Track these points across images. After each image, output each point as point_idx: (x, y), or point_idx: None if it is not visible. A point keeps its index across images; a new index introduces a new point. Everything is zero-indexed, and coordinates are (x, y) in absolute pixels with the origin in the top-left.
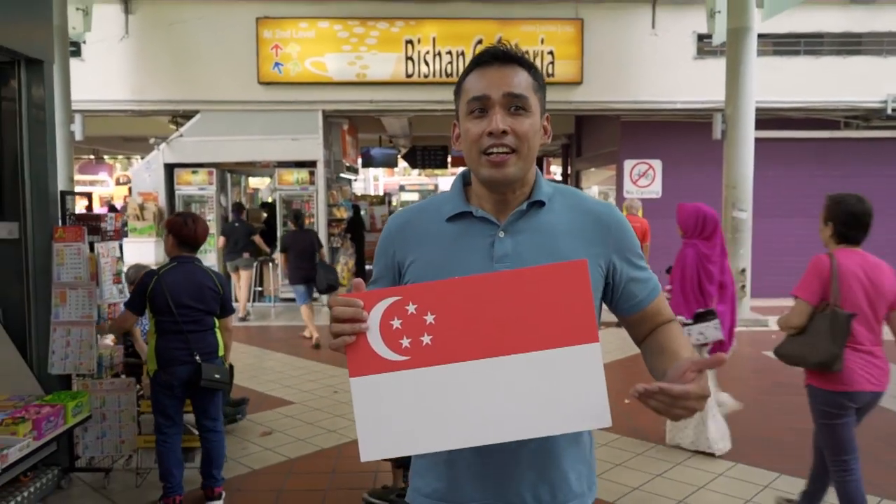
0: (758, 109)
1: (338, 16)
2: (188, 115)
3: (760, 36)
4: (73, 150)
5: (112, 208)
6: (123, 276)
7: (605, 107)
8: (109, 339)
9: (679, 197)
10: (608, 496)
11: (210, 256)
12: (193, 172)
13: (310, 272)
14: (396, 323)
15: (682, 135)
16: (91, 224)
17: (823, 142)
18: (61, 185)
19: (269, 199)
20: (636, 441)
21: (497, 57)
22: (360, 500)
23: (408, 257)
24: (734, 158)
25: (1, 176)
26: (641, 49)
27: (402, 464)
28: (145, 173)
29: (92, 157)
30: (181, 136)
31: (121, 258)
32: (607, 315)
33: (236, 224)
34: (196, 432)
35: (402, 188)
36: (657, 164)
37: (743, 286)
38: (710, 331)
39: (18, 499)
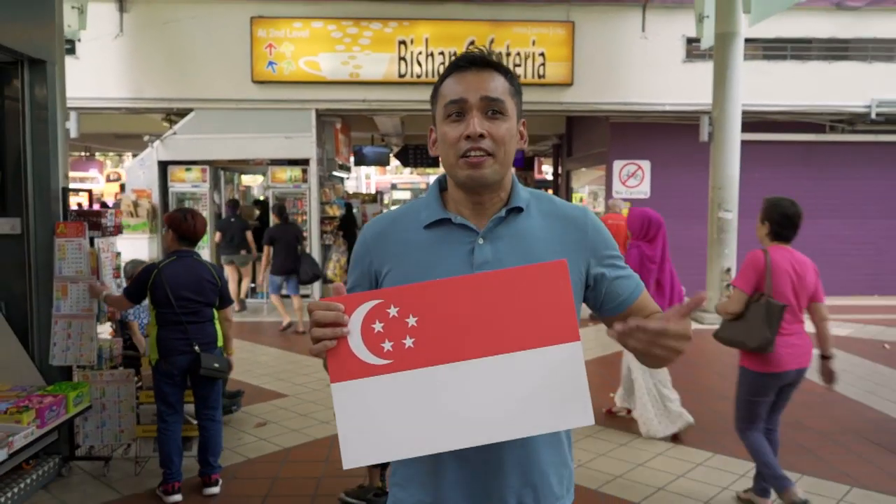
0: (745, 112)
1: (332, 16)
2: (182, 113)
3: (748, 40)
4: (68, 148)
5: (104, 205)
6: (122, 270)
7: (595, 108)
8: (108, 332)
9: (668, 197)
10: (591, 484)
11: (204, 252)
12: (187, 170)
13: (293, 264)
14: (378, 326)
15: (671, 136)
16: (92, 220)
17: (809, 145)
18: (60, 182)
19: (261, 197)
20: (618, 432)
21: (474, 62)
22: (353, 485)
23: (385, 266)
24: (720, 160)
25: (4, 173)
26: (631, 52)
27: (379, 463)
28: (139, 170)
29: (85, 154)
30: (175, 133)
31: (119, 253)
32: (584, 310)
33: (232, 220)
34: (194, 422)
35: (393, 186)
36: (646, 164)
37: (728, 285)
38: None
39: (22, 485)
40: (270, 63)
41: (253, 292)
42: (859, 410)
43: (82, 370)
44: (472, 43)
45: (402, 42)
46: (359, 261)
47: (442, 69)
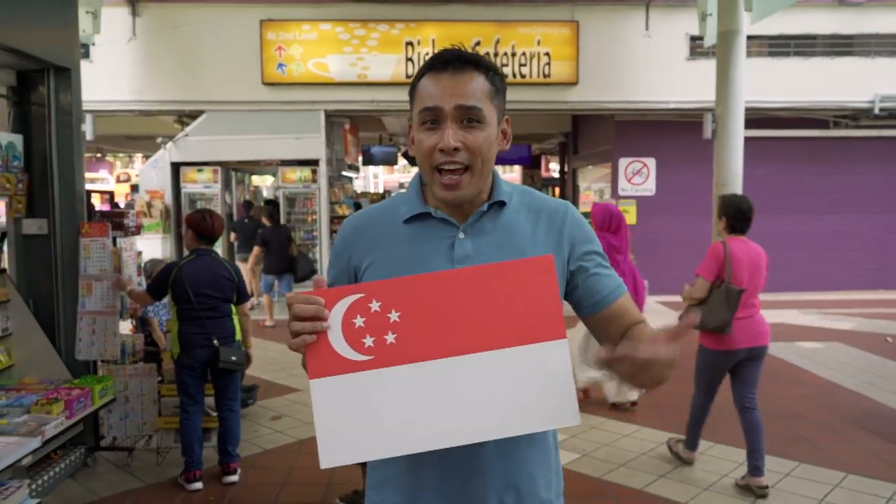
0: (749, 109)
1: (339, 18)
2: (194, 115)
3: (752, 37)
4: (83, 150)
5: (115, 206)
6: (142, 269)
7: (600, 106)
8: (128, 329)
9: (672, 194)
10: (594, 472)
11: (218, 251)
12: (199, 171)
13: (285, 264)
14: (359, 321)
15: (676, 134)
16: (115, 220)
17: (813, 140)
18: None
19: (272, 197)
20: (623, 424)
21: (450, 61)
22: (363, 476)
23: (364, 261)
24: (724, 157)
25: (31, 176)
26: (635, 50)
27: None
28: (152, 172)
29: (96, 155)
30: (187, 135)
31: (141, 252)
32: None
33: (245, 220)
34: (214, 414)
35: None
36: (651, 162)
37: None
38: None
39: (51, 474)
40: (280, 65)
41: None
42: (857, 401)
43: (106, 364)
44: (478, 44)
45: (409, 43)
46: (338, 256)
47: None
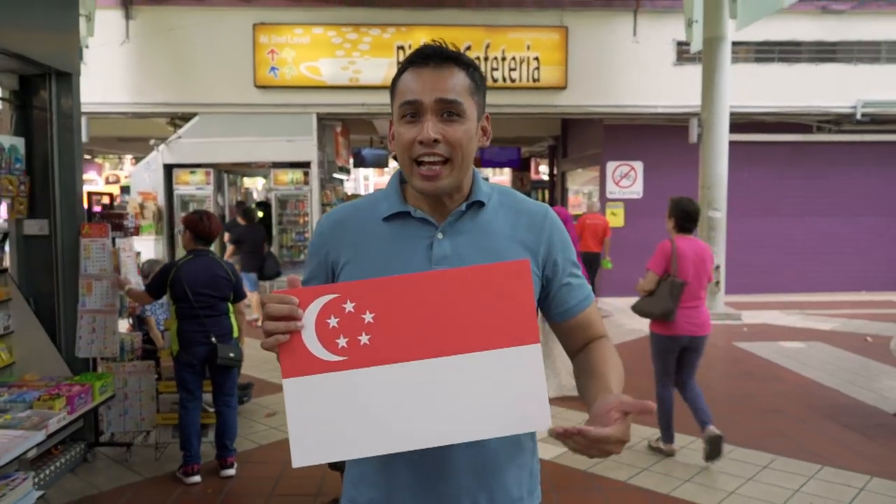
0: (735, 114)
1: (332, 22)
2: (187, 118)
3: (737, 43)
4: (82, 153)
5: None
6: (140, 268)
7: (588, 111)
8: (125, 327)
9: (659, 197)
10: (580, 464)
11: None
12: (191, 173)
13: (257, 263)
14: (333, 321)
15: (663, 137)
16: (114, 221)
17: (797, 145)
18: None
19: (263, 199)
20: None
21: (430, 56)
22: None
23: (342, 258)
24: (709, 161)
25: (33, 178)
26: (623, 55)
27: None
28: (145, 173)
29: (87, 156)
30: (180, 137)
31: (139, 253)
32: None
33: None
34: (211, 410)
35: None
36: (638, 165)
37: (717, 282)
38: None
39: (52, 468)
40: (272, 68)
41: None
42: (835, 398)
43: (106, 362)
44: (468, 48)
45: (401, 47)
46: (315, 252)
47: None
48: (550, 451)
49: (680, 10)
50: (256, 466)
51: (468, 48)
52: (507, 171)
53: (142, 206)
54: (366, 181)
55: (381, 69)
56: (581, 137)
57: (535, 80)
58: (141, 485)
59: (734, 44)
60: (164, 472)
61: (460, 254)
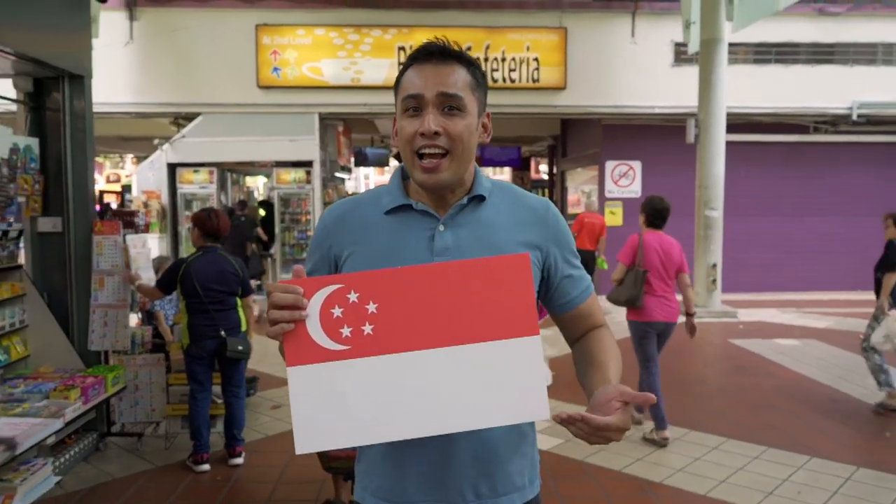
0: (732, 114)
1: (334, 23)
2: (190, 117)
3: (735, 45)
4: (94, 153)
5: (106, 206)
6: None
7: (587, 111)
8: (135, 322)
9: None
10: (577, 455)
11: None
12: (195, 172)
13: (243, 260)
14: (337, 311)
15: (661, 137)
16: (126, 219)
17: (793, 145)
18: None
19: (265, 198)
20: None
21: (433, 54)
22: (335, 485)
23: (345, 250)
24: (706, 160)
25: (46, 177)
26: (622, 56)
27: (350, 475)
28: (149, 172)
29: None
30: (184, 137)
31: (150, 249)
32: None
33: (242, 218)
34: (220, 401)
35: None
36: (637, 164)
37: (714, 280)
38: None
39: (67, 456)
40: (275, 69)
41: (259, 290)
42: (827, 393)
43: (117, 355)
44: (468, 49)
45: (402, 48)
46: (318, 245)
47: None
48: (548, 441)
49: (678, 12)
50: (263, 456)
51: (469, 49)
52: (507, 170)
53: (146, 205)
54: (366, 180)
55: (382, 70)
56: (580, 137)
57: (534, 81)
58: (152, 472)
59: (732, 45)
60: (174, 460)
61: (461, 246)
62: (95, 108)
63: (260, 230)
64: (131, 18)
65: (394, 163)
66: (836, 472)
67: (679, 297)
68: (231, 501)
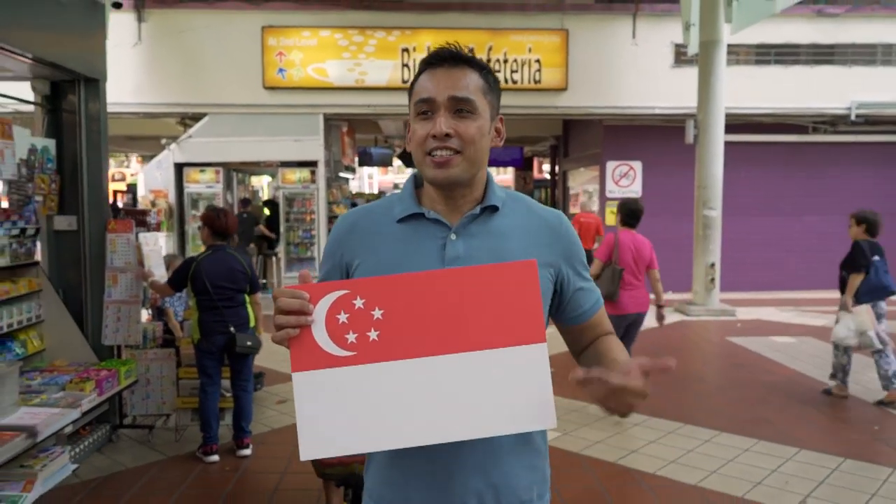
0: (732, 115)
1: (338, 25)
2: (197, 118)
3: (735, 46)
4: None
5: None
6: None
7: (588, 111)
8: (145, 318)
9: (658, 195)
10: (574, 447)
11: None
12: (201, 171)
13: None
14: (343, 317)
15: (661, 138)
16: (138, 218)
17: (793, 145)
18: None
19: (269, 197)
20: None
21: (445, 58)
22: (325, 494)
23: (356, 258)
24: (705, 161)
25: (62, 177)
26: (622, 58)
27: (343, 482)
28: (156, 172)
29: None
30: (190, 137)
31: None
32: None
33: (244, 215)
34: (228, 395)
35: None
36: (637, 165)
37: (713, 279)
38: None
39: (82, 446)
40: (280, 70)
41: (263, 288)
42: (820, 388)
43: (129, 349)
44: (471, 51)
45: (405, 50)
46: (331, 253)
47: None
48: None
49: (678, 14)
50: (270, 448)
51: (471, 51)
52: (510, 170)
53: (153, 204)
54: (370, 180)
55: (386, 71)
56: (582, 137)
57: (536, 82)
58: (163, 463)
59: (733, 46)
60: (184, 451)
61: (473, 255)
62: None
63: (262, 227)
64: (139, 20)
65: (397, 163)
66: (823, 463)
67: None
68: (239, 491)
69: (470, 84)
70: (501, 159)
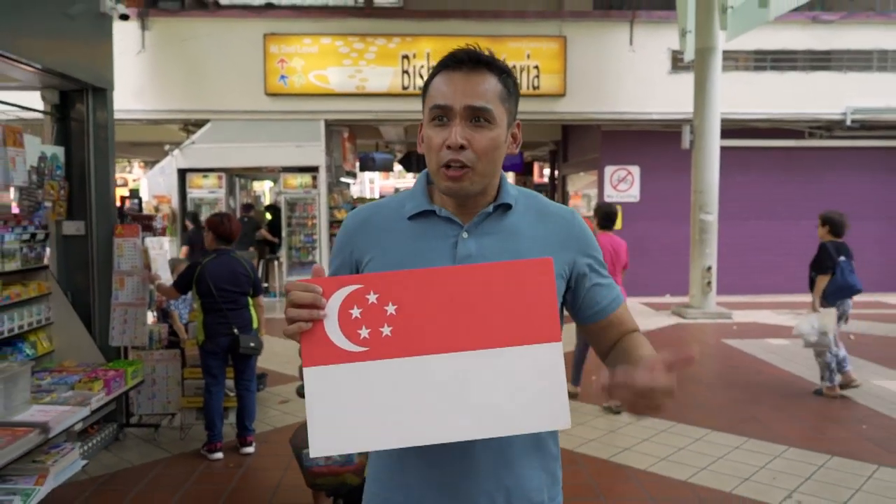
0: (729, 120)
1: (339, 32)
2: (200, 124)
3: (731, 52)
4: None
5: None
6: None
7: (586, 117)
8: (151, 320)
9: (655, 200)
10: (568, 445)
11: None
12: (204, 177)
13: None
14: (356, 312)
15: (659, 143)
16: (144, 223)
17: (789, 150)
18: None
19: (271, 202)
20: (600, 407)
21: (464, 61)
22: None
23: (366, 255)
24: (701, 166)
25: (71, 183)
26: (620, 64)
27: (334, 492)
28: (160, 177)
29: None
30: (193, 143)
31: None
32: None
33: (245, 220)
34: (232, 394)
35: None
36: (635, 169)
37: (709, 282)
38: None
39: (90, 444)
40: (282, 77)
41: (266, 291)
42: (810, 388)
43: (136, 350)
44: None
45: (406, 56)
46: (340, 249)
47: None
48: None
49: (674, 21)
50: (272, 446)
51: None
52: (511, 174)
53: (156, 209)
54: (371, 184)
55: (386, 77)
56: (580, 142)
57: (535, 88)
58: (169, 460)
59: (731, 53)
60: (188, 449)
61: (485, 254)
62: None
63: (264, 232)
64: (143, 28)
65: (398, 168)
66: (811, 460)
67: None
68: (242, 487)
69: (488, 91)
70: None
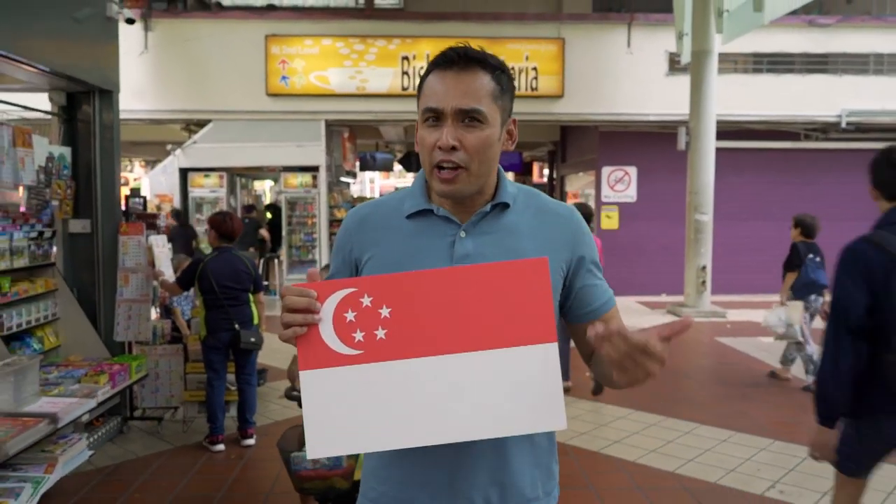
0: (726, 122)
1: (340, 34)
2: (201, 124)
3: (731, 55)
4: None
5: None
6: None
7: (584, 118)
8: (154, 316)
9: (652, 200)
10: (559, 438)
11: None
12: (206, 176)
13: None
14: (350, 315)
15: (656, 144)
16: (148, 221)
17: (785, 152)
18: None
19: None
20: (591, 402)
21: (456, 61)
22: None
23: (365, 254)
24: (697, 167)
25: (77, 183)
26: (618, 66)
27: (322, 497)
28: (161, 176)
29: None
30: (195, 142)
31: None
32: None
33: (246, 220)
34: (233, 388)
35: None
36: (632, 170)
37: (703, 282)
38: None
39: (96, 436)
40: (283, 77)
41: (266, 290)
42: (799, 385)
43: (140, 345)
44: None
45: (405, 58)
46: (340, 248)
47: None
48: None
49: (672, 24)
50: (272, 438)
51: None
52: (510, 175)
53: (158, 208)
54: (371, 184)
55: (386, 78)
56: (578, 143)
57: (533, 89)
58: (172, 452)
59: (728, 55)
60: (191, 441)
61: (483, 253)
62: None
63: (264, 232)
64: (146, 29)
65: (398, 168)
66: (795, 452)
67: None
68: (243, 477)
69: (480, 90)
70: (501, 164)
